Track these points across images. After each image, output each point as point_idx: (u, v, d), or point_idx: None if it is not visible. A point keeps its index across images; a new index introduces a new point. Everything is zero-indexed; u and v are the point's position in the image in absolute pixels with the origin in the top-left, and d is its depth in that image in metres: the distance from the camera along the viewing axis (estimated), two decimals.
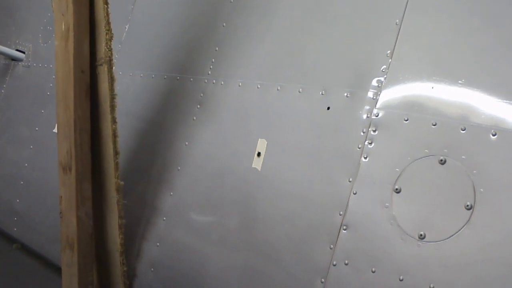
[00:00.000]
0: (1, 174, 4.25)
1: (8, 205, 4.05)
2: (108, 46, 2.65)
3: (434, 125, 1.98)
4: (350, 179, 2.14)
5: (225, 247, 2.54)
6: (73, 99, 2.63)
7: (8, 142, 4.33)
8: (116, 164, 2.64)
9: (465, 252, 1.81)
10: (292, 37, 2.58)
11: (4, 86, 4.69)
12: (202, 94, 2.89)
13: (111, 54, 2.67)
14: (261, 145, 2.48)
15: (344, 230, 2.11)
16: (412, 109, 2.06)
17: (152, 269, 2.72)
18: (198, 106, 2.88)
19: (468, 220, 1.83)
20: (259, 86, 2.60)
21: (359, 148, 2.15)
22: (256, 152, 2.49)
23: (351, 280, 2.06)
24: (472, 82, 1.96)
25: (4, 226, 4.10)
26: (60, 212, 2.74)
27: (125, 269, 2.68)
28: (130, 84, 3.36)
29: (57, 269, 3.34)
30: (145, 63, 3.36)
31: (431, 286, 1.84)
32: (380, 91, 2.17)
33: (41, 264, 3.64)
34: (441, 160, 1.92)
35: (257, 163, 2.48)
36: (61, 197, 2.73)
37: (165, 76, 3.16)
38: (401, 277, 1.92)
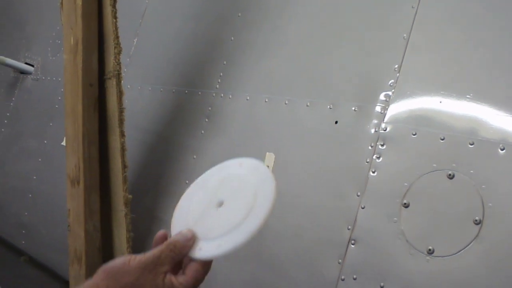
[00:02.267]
0: (9, 186, 4.26)
1: (16, 217, 4.05)
2: (117, 60, 2.66)
3: (442, 140, 1.97)
4: (358, 194, 2.14)
5: (232, 259, 2.53)
6: (81, 113, 2.64)
7: (17, 155, 4.34)
8: (125, 177, 2.64)
9: (474, 267, 1.80)
10: (300, 51, 2.58)
11: (13, 99, 4.71)
12: (210, 108, 2.89)
13: (120, 67, 2.68)
14: (269, 159, 2.48)
15: (353, 244, 2.11)
16: (420, 123, 2.06)
17: None
18: (206, 120, 2.88)
19: (477, 235, 1.81)
20: (267, 100, 2.61)
21: (367, 162, 2.15)
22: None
23: None
24: (481, 96, 1.95)
25: (12, 239, 4.10)
26: (68, 225, 2.74)
27: None
28: (138, 98, 3.37)
29: (64, 282, 3.34)
30: (153, 76, 3.37)
31: None
32: (388, 105, 2.17)
33: (49, 276, 3.64)
34: (449, 175, 1.91)
35: None
36: (69, 210, 2.73)
37: (174, 90, 3.17)
38: None
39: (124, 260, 1.09)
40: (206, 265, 1.15)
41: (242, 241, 1.13)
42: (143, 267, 1.08)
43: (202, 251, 1.14)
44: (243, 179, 1.24)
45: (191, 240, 1.13)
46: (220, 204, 1.19)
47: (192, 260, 1.14)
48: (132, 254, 1.11)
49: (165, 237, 1.19)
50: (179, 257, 1.12)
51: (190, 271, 1.12)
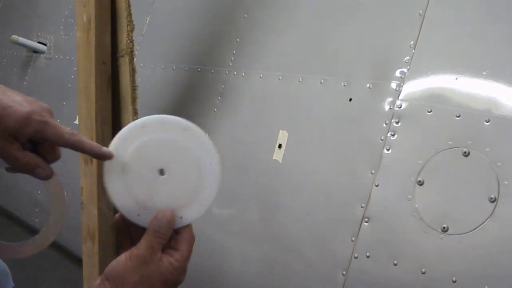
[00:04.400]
0: None
1: (30, 196, 4.07)
2: (130, 38, 2.65)
3: (458, 117, 1.96)
4: (372, 171, 2.13)
5: (245, 238, 2.53)
6: (94, 91, 2.63)
7: None
8: None
9: (489, 245, 1.79)
10: (314, 28, 2.56)
11: (26, 78, 4.72)
12: (223, 86, 2.88)
13: (133, 45, 2.66)
14: (282, 136, 2.47)
15: (366, 222, 2.10)
16: (435, 100, 2.04)
17: None
18: (219, 98, 2.87)
19: (492, 212, 1.80)
20: (280, 78, 2.59)
21: (381, 140, 2.14)
22: (277, 144, 2.48)
23: (373, 272, 2.05)
24: (497, 73, 1.93)
25: (26, 217, 4.13)
26: (81, 203, 2.75)
27: None
28: (151, 76, 3.36)
29: (78, 260, 3.35)
30: (166, 55, 3.37)
31: (454, 279, 1.83)
32: (403, 82, 2.15)
33: (62, 254, 3.66)
34: (465, 152, 1.90)
35: (278, 155, 2.47)
36: (82, 188, 2.73)
37: (186, 68, 3.16)
38: (423, 270, 1.90)
39: (122, 261, 1.09)
40: (191, 230, 1.16)
41: (215, 191, 1.17)
42: (142, 261, 1.09)
43: (184, 218, 1.15)
44: (164, 139, 1.22)
45: (172, 220, 1.13)
46: (162, 172, 1.17)
47: (177, 231, 1.15)
48: (123, 250, 1.12)
49: (122, 220, 1.19)
50: (167, 238, 1.13)
51: (182, 244, 1.14)
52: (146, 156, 1.17)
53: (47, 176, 1.18)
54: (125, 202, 1.16)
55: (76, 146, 1.15)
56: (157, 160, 1.17)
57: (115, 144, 1.17)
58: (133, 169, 1.17)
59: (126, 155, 1.17)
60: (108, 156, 1.16)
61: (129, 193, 1.16)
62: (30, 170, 1.15)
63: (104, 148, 1.15)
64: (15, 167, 1.14)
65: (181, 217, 1.15)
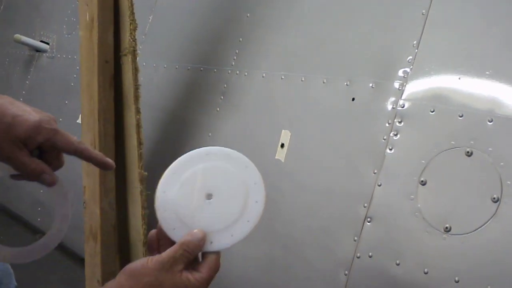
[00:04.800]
0: None
1: (32, 195, 4.07)
2: (132, 37, 2.65)
3: (461, 117, 1.95)
4: (375, 171, 2.13)
5: (247, 239, 2.53)
6: (97, 89, 2.63)
7: None
8: (140, 154, 2.63)
9: (491, 245, 1.79)
10: (317, 28, 2.56)
11: (29, 77, 4.72)
12: (225, 85, 2.88)
13: (135, 44, 2.66)
14: (285, 136, 2.47)
15: (369, 222, 2.10)
16: (438, 100, 2.04)
17: None
18: (222, 97, 2.87)
19: (495, 213, 1.80)
20: (283, 77, 2.59)
21: (384, 139, 2.14)
22: (280, 143, 2.48)
23: (375, 272, 2.04)
24: (500, 73, 1.93)
25: (28, 216, 4.13)
26: (84, 203, 2.75)
27: None
28: (153, 75, 3.36)
29: (80, 259, 3.35)
30: (168, 54, 3.36)
31: (456, 279, 1.82)
32: (406, 82, 2.15)
33: (64, 254, 3.66)
34: (468, 152, 1.90)
35: (281, 155, 2.47)
36: (85, 187, 2.73)
37: (189, 67, 3.16)
38: (426, 270, 1.90)
39: (143, 261, 1.13)
40: (218, 258, 1.19)
41: (251, 228, 1.22)
42: (161, 267, 1.11)
43: (214, 243, 1.18)
44: (223, 168, 1.27)
45: (202, 240, 1.16)
46: (209, 196, 1.22)
47: (204, 255, 1.18)
48: (149, 256, 1.16)
49: (158, 236, 1.23)
50: (193, 256, 1.16)
51: (205, 267, 1.16)
52: (201, 179, 1.24)
53: (52, 182, 1.26)
54: (166, 214, 1.21)
55: (84, 154, 1.24)
56: (209, 185, 1.24)
57: (180, 161, 1.29)
58: (185, 188, 1.24)
59: (184, 175, 1.26)
60: (110, 166, 1.29)
61: (174, 208, 1.22)
62: (36, 176, 1.22)
63: (107, 158, 1.27)
64: (22, 172, 1.21)
65: (211, 242, 1.18)
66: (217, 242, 1.18)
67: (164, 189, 1.26)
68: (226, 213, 1.20)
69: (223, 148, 1.31)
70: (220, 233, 1.18)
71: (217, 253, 1.18)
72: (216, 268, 1.18)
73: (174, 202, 1.22)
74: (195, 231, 1.16)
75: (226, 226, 1.18)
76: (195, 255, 1.16)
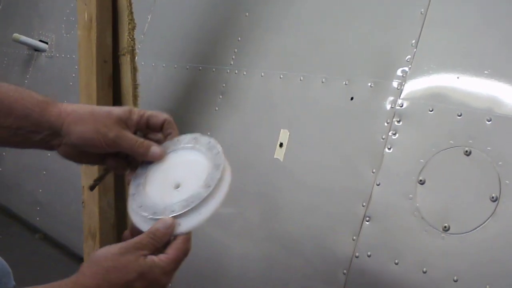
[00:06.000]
0: (24, 164, 4.27)
1: (31, 195, 4.07)
2: (131, 36, 2.65)
3: (459, 116, 1.95)
4: (374, 170, 2.12)
5: (246, 237, 2.53)
6: (95, 89, 2.64)
7: None
8: None
9: (490, 244, 1.79)
10: (316, 27, 2.56)
11: (27, 76, 4.72)
12: (224, 85, 2.88)
13: (134, 44, 2.67)
14: (284, 135, 2.47)
15: (367, 221, 2.10)
16: (437, 99, 2.04)
17: None
18: (221, 97, 2.87)
19: (493, 212, 1.80)
20: (281, 76, 2.59)
21: (383, 139, 2.13)
22: (279, 143, 2.48)
23: (374, 272, 2.04)
24: (499, 72, 1.93)
25: (27, 216, 4.13)
26: (83, 202, 2.75)
27: None
28: (152, 75, 3.36)
29: (79, 259, 3.36)
30: (167, 53, 3.36)
31: (455, 278, 1.82)
32: (405, 81, 2.15)
33: (63, 253, 3.67)
34: (466, 151, 1.90)
35: (279, 154, 2.47)
36: (84, 187, 2.74)
37: (188, 67, 3.16)
38: (424, 269, 1.90)
39: (106, 248, 1.12)
40: (187, 239, 1.18)
41: (218, 204, 1.19)
42: (124, 251, 1.10)
43: (182, 225, 1.17)
44: (188, 157, 1.32)
45: (171, 227, 1.15)
46: (177, 186, 1.24)
47: (174, 239, 1.18)
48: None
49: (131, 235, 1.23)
50: (160, 243, 1.15)
51: (171, 248, 1.15)
52: (169, 174, 1.28)
53: (161, 154, 1.31)
54: (138, 216, 1.22)
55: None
56: (177, 176, 1.27)
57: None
58: (156, 183, 1.26)
59: (155, 171, 1.29)
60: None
61: (146, 205, 1.22)
62: (146, 149, 1.29)
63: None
64: (132, 148, 1.27)
65: (179, 225, 1.17)
66: (186, 223, 1.17)
67: (133, 192, 1.26)
68: (192, 195, 1.19)
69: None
70: (188, 214, 1.17)
71: (187, 234, 1.17)
72: (184, 249, 1.16)
73: (145, 200, 1.23)
74: (163, 218, 1.16)
75: (193, 206, 1.17)
76: (163, 242, 1.15)
